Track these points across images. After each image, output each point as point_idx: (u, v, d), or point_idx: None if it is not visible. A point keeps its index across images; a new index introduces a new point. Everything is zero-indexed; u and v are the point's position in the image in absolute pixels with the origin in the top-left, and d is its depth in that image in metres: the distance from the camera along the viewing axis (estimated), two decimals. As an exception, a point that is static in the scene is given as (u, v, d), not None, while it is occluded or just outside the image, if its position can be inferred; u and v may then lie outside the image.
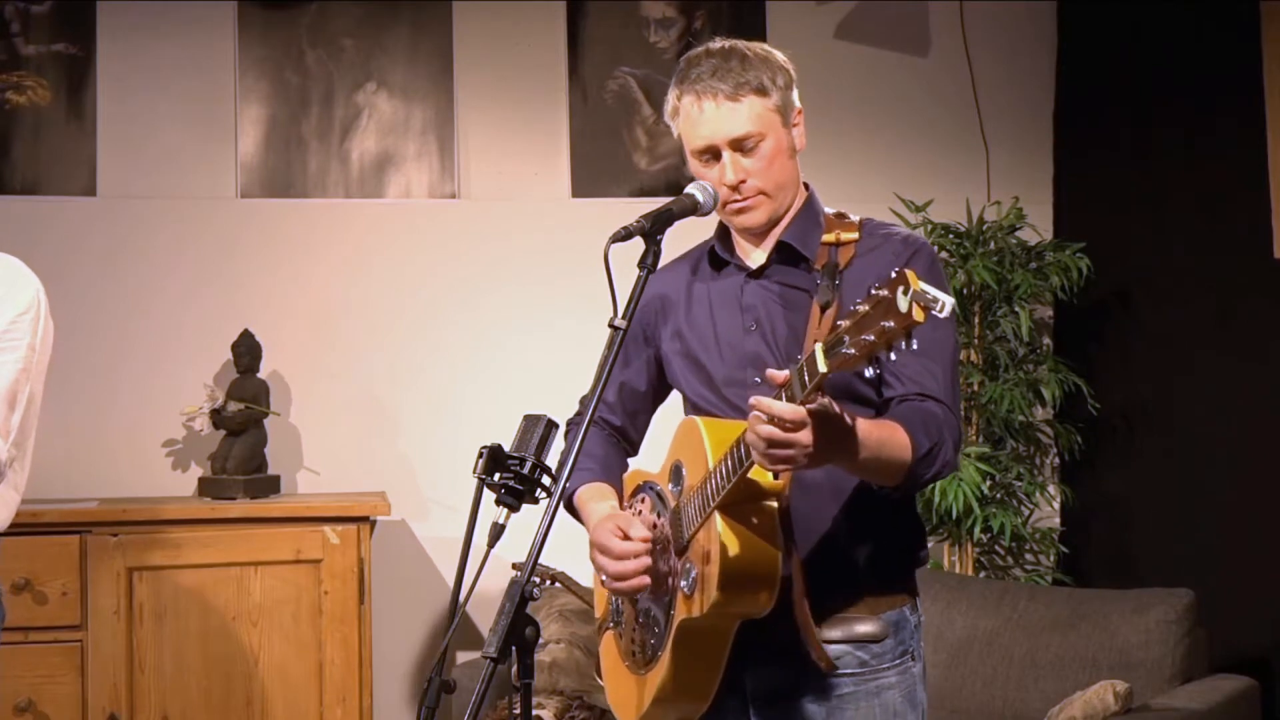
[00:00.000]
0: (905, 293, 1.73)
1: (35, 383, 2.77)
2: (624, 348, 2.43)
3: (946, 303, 1.74)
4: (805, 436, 1.94)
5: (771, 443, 1.95)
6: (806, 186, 2.38)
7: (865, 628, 2.26)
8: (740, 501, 2.12)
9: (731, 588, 2.11)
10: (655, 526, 2.31)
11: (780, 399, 1.95)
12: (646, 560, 2.23)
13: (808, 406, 1.94)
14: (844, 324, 1.82)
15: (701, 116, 2.26)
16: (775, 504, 2.15)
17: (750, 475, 2.10)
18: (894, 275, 1.76)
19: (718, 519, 2.12)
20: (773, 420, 1.93)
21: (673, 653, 2.22)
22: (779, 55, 2.32)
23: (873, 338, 1.77)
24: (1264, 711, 3.66)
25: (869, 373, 2.21)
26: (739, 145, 2.26)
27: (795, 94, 2.32)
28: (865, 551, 2.27)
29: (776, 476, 2.16)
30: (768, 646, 2.25)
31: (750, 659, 2.27)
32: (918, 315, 1.73)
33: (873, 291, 1.79)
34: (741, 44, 2.31)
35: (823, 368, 1.84)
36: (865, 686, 2.26)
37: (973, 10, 4.81)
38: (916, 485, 2.17)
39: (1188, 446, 4.21)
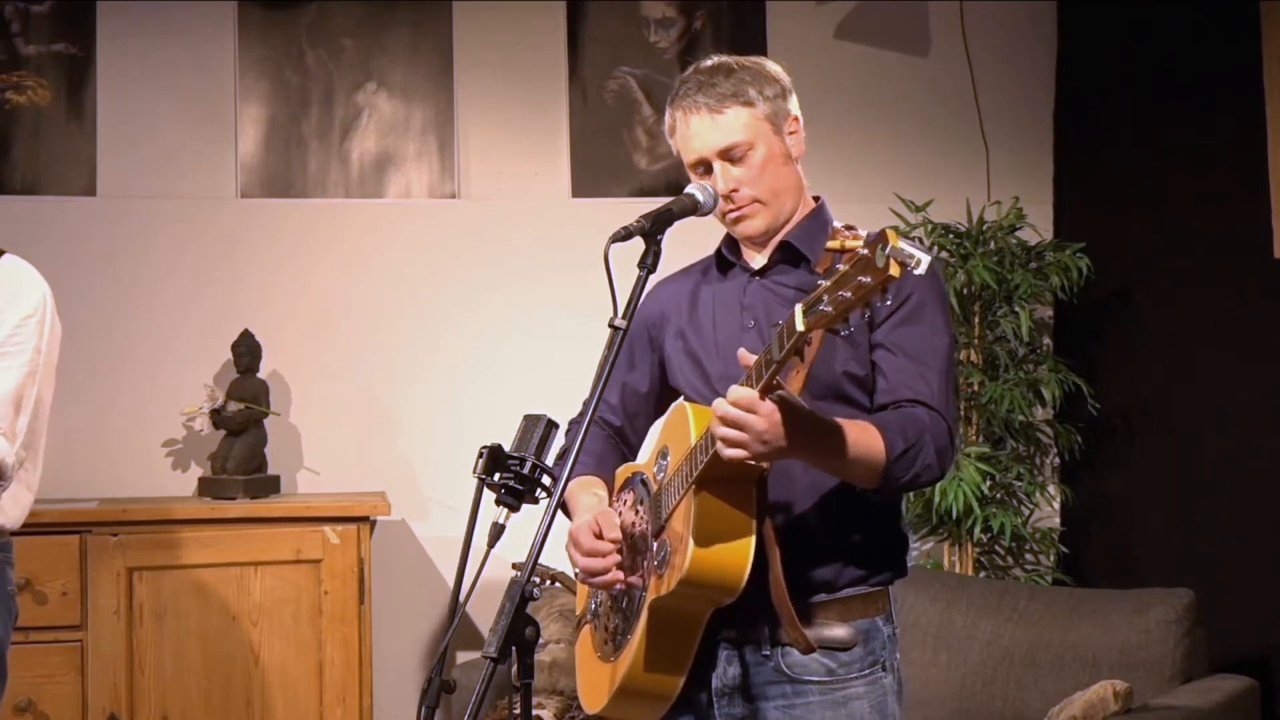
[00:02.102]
0: (883, 249, 1.76)
1: (43, 385, 2.80)
2: (630, 350, 2.48)
3: (923, 259, 1.77)
4: (758, 422, 1.98)
5: (723, 421, 1.99)
6: (818, 199, 2.40)
7: (834, 633, 2.25)
8: (718, 480, 2.12)
9: (701, 564, 2.10)
10: (637, 515, 2.33)
11: (750, 378, 1.99)
12: (615, 559, 2.25)
13: (769, 396, 1.97)
14: (823, 284, 1.85)
15: (690, 131, 2.32)
16: (753, 484, 2.15)
17: None
18: (875, 234, 1.78)
19: (693, 497, 2.13)
20: (726, 402, 1.98)
21: (643, 635, 2.22)
22: (771, 66, 2.36)
23: (849, 294, 1.80)
24: (1264, 711, 3.66)
25: (860, 370, 2.23)
26: (727, 155, 2.29)
27: (791, 103, 2.35)
28: (840, 554, 2.27)
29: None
30: (738, 646, 2.26)
31: (720, 659, 2.28)
32: (894, 270, 1.76)
33: (856, 251, 1.82)
34: (732, 59, 2.35)
35: (800, 326, 1.87)
36: (832, 695, 2.25)
37: (973, 10, 4.81)
38: (896, 487, 2.17)
39: (1188, 446, 4.21)
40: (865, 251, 1.79)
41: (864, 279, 1.79)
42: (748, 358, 2.02)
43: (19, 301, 2.77)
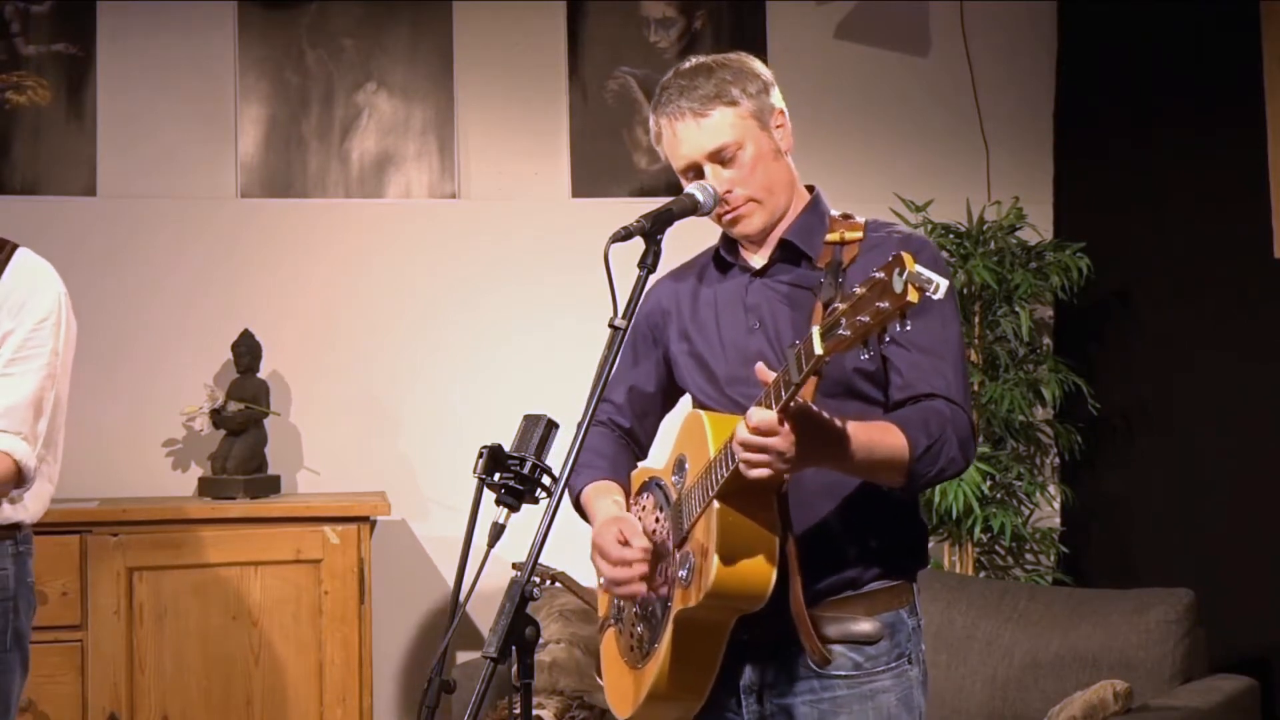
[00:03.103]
0: (900, 274, 1.75)
1: (60, 385, 2.85)
2: (634, 350, 2.48)
3: (941, 284, 1.75)
4: (779, 443, 1.97)
5: (745, 447, 1.99)
6: (812, 189, 2.40)
7: (860, 628, 2.25)
8: (739, 492, 2.12)
9: (727, 577, 2.11)
10: (657, 523, 2.32)
11: (769, 396, 1.98)
12: (643, 569, 2.24)
13: (788, 410, 1.96)
14: (840, 306, 1.84)
15: (676, 138, 2.30)
16: (773, 495, 2.15)
17: None
18: (891, 258, 1.78)
19: (715, 509, 2.12)
20: (746, 428, 1.98)
21: (669, 646, 2.22)
22: (752, 62, 2.35)
23: (868, 319, 1.79)
24: (1264, 711, 3.66)
25: (870, 365, 2.23)
26: (717, 157, 2.28)
27: (774, 97, 2.33)
28: (861, 550, 2.27)
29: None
30: (763, 645, 2.26)
31: (746, 657, 2.27)
32: (912, 296, 1.75)
33: (871, 274, 1.80)
34: (710, 58, 2.34)
35: (819, 350, 1.86)
36: (859, 689, 2.25)
37: (973, 10, 4.81)
38: (923, 483, 2.18)
39: (1188, 446, 4.21)
40: (881, 275, 1.78)
41: (882, 305, 1.77)
42: (765, 374, 2.01)
43: (34, 304, 2.80)
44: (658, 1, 4.72)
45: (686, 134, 2.29)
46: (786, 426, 1.97)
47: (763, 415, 1.97)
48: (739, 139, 2.28)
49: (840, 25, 4.79)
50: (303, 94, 4.54)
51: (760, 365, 2.04)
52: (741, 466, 2.02)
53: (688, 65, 2.33)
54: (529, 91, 4.66)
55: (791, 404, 1.96)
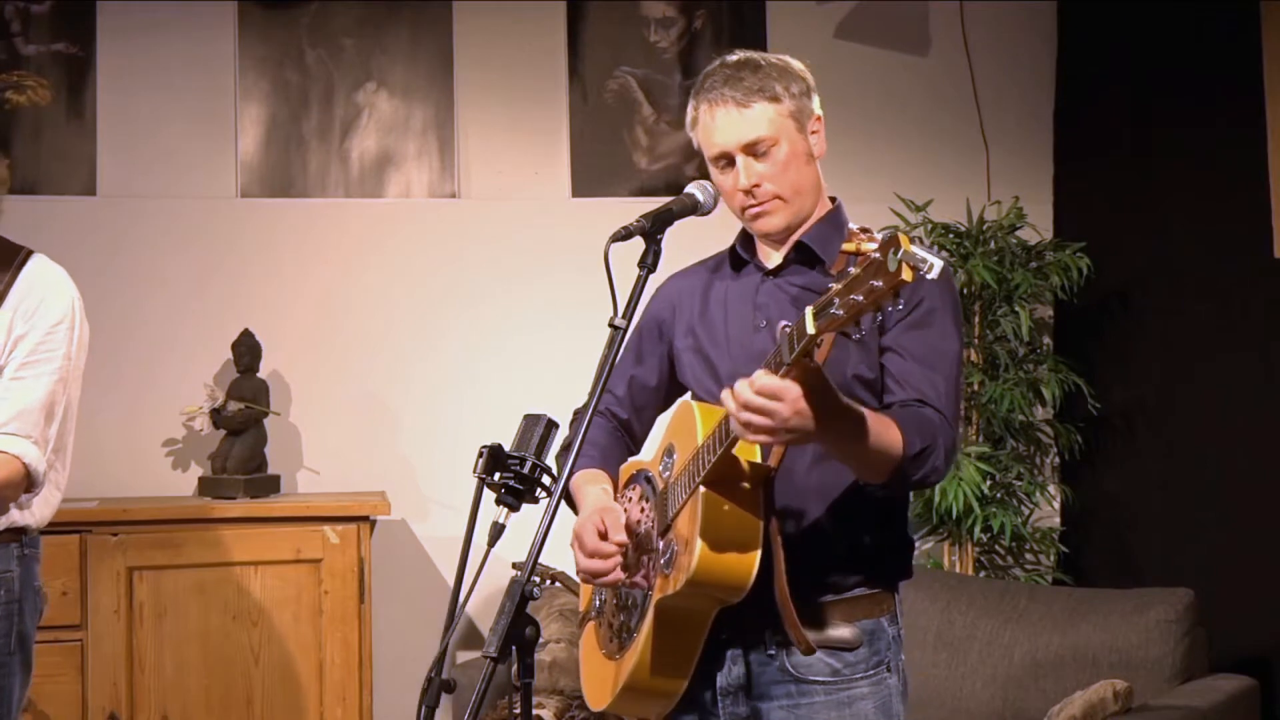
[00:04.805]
0: (895, 253, 1.76)
1: (72, 389, 2.87)
2: (639, 343, 2.48)
3: (935, 264, 1.76)
4: (783, 408, 1.95)
5: (747, 406, 1.95)
6: (835, 200, 2.40)
7: (839, 633, 2.25)
8: (725, 480, 2.11)
9: (709, 564, 2.10)
10: (642, 513, 2.32)
11: (770, 367, 1.97)
12: (618, 560, 2.24)
13: (801, 373, 1.94)
14: (834, 286, 1.84)
15: (714, 124, 2.30)
16: (759, 485, 2.14)
17: (737, 454, 2.11)
18: (887, 238, 1.77)
19: (700, 496, 2.12)
20: (751, 390, 1.95)
21: (649, 634, 2.22)
22: (796, 64, 2.36)
23: (861, 298, 1.80)
24: (1264, 711, 3.66)
25: (870, 374, 2.23)
26: (751, 150, 2.28)
27: (814, 102, 2.35)
28: (846, 555, 2.27)
29: (765, 456, 2.16)
30: (743, 645, 2.26)
31: (725, 658, 2.27)
32: (906, 274, 1.75)
33: (867, 254, 1.81)
34: (758, 54, 2.35)
35: (810, 329, 1.86)
36: (836, 696, 2.25)
37: (973, 10, 4.81)
38: (904, 485, 2.18)
39: (1188, 446, 4.21)
40: (877, 255, 1.78)
41: (876, 283, 1.78)
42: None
43: (47, 309, 2.82)
44: (658, 1, 4.72)
45: (725, 122, 2.28)
46: (793, 391, 1.94)
47: (768, 379, 1.94)
48: (775, 135, 2.28)
49: (840, 25, 4.79)
50: (303, 94, 4.54)
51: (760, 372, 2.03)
52: (737, 428, 1.99)
53: (734, 58, 2.33)
54: (529, 91, 4.66)
55: (807, 361, 1.93)
